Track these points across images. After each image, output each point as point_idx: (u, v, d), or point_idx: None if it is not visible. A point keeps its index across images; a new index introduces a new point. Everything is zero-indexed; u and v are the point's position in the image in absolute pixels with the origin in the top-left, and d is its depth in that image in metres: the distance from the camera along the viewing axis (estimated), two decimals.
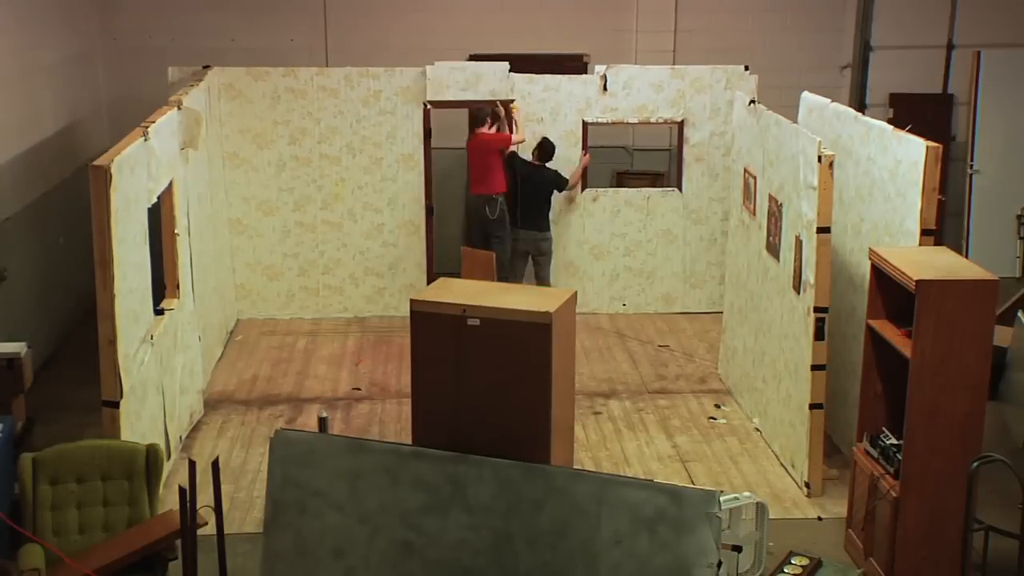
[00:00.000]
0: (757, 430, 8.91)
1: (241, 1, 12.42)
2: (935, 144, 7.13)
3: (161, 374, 8.03)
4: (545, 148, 10.95)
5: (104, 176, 6.76)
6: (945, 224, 12.03)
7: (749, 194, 9.05)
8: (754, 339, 8.98)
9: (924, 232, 7.16)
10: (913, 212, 7.24)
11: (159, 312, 8.19)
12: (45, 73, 10.67)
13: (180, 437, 8.55)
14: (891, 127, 7.72)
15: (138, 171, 7.54)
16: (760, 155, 8.78)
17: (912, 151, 7.28)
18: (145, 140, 7.72)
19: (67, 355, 10.37)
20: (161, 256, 8.63)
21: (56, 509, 6.29)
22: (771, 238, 8.47)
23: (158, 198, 8.15)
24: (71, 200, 10.98)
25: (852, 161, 8.22)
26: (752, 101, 9.08)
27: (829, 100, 8.89)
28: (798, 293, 7.85)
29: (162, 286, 8.56)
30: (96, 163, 6.83)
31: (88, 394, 9.08)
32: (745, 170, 9.17)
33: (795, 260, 7.88)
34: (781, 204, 8.22)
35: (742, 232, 9.34)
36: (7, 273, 9.30)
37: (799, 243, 7.80)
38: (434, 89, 11.00)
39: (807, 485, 7.84)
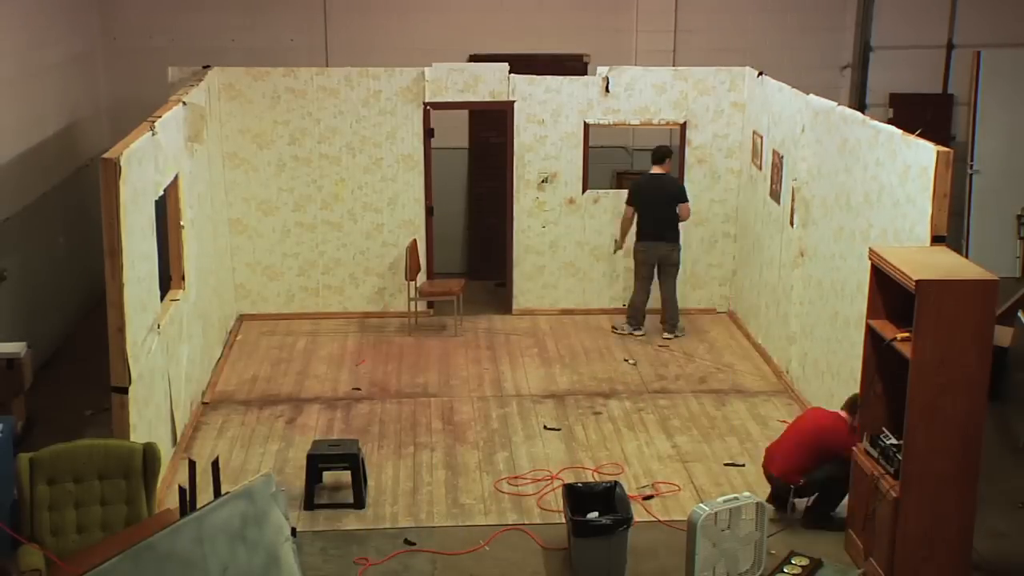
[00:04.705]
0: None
1: (241, 1, 12.42)
2: (945, 149, 6.93)
3: (167, 362, 8.12)
4: (656, 151, 10.82)
5: (114, 168, 6.91)
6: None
7: (756, 152, 10.63)
8: (759, 274, 10.60)
9: (935, 239, 6.97)
10: (923, 218, 7.06)
11: None
12: (46, 73, 10.66)
13: (185, 424, 8.62)
14: (900, 131, 7.55)
15: (146, 164, 7.69)
16: (766, 118, 10.33)
17: (922, 156, 7.12)
18: (153, 135, 7.85)
19: (67, 355, 10.37)
20: (165, 249, 8.70)
21: (54, 509, 6.28)
22: (773, 185, 10.08)
23: (164, 191, 8.25)
24: (71, 200, 10.99)
25: (860, 165, 8.09)
26: (760, 73, 10.60)
27: (835, 103, 8.87)
28: (792, 226, 9.48)
29: (166, 278, 8.61)
30: (106, 156, 6.98)
31: (88, 394, 9.11)
32: (754, 132, 10.73)
33: (791, 201, 9.51)
34: (782, 156, 9.77)
35: (751, 185, 10.93)
36: (7, 273, 9.29)
37: (794, 188, 9.45)
38: (433, 90, 11.00)
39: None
